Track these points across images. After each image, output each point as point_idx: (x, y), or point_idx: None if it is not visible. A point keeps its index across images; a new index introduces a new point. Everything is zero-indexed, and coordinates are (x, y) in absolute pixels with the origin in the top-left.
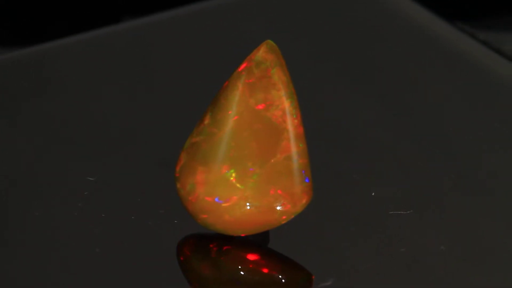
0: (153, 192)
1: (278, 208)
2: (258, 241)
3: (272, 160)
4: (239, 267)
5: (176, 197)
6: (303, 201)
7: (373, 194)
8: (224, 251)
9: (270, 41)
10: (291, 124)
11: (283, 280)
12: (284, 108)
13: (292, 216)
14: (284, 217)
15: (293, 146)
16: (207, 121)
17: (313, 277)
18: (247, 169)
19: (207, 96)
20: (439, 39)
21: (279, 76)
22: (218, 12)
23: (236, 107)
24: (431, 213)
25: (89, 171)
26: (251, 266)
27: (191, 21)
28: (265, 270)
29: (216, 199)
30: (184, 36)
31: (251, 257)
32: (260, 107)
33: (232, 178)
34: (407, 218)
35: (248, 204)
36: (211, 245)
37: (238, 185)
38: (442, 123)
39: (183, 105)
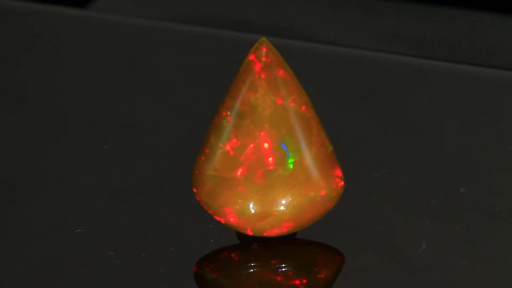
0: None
1: (332, 194)
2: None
3: (314, 149)
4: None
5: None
6: (344, 182)
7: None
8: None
9: (265, 39)
10: (314, 112)
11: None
12: (305, 99)
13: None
14: (334, 201)
15: (323, 133)
16: (233, 130)
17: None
18: (296, 164)
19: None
20: None
21: (288, 71)
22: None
23: (267, 108)
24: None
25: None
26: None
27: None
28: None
29: (273, 202)
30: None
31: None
32: (287, 102)
33: (286, 177)
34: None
35: (304, 198)
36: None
37: (292, 182)
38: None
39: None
